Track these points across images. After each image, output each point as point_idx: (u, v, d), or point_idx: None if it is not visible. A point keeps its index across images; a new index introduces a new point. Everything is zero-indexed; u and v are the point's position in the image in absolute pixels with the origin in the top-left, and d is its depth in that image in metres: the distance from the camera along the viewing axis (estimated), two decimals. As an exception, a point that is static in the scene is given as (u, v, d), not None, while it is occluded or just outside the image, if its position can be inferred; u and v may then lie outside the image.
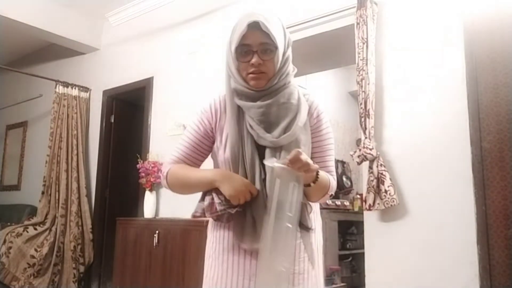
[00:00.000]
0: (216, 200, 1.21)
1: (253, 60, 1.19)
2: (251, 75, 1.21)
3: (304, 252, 1.25)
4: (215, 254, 1.28)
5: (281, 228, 1.08)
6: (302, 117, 1.24)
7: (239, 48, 1.20)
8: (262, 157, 1.21)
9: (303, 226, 1.23)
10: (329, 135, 1.32)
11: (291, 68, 1.29)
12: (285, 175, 1.09)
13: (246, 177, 1.21)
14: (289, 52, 1.27)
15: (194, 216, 1.26)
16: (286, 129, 1.21)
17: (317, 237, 1.31)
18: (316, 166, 1.15)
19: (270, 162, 1.12)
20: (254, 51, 1.19)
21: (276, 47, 1.19)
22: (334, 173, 1.34)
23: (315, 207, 1.34)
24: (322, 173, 1.22)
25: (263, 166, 1.20)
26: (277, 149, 1.21)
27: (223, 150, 1.26)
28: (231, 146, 1.23)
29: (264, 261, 1.12)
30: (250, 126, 1.23)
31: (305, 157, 1.09)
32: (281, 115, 1.22)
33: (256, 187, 1.19)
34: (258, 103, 1.22)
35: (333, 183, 1.30)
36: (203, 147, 1.33)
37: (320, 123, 1.31)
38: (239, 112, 1.26)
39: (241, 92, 1.25)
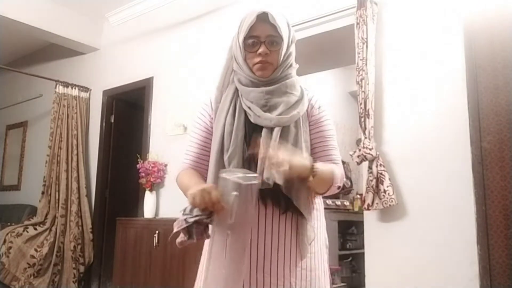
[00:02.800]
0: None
1: (261, 50, 1.24)
2: (258, 65, 1.25)
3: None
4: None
5: (221, 235, 1.10)
6: (303, 107, 1.28)
7: (247, 39, 1.25)
8: (250, 137, 1.23)
9: (300, 214, 1.23)
10: (331, 126, 1.34)
11: (293, 62, 1.34)
12: (227, 186, 1.09)
13: (230, 153, 1.21)
14: (293, 48, 1.32)
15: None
16: (284, 113, 1.24)
17: (319, 236, 1.31)
18: (303, 163, 1.14)
19: (226, 174, 1.10)
20: (262, 42, 1.24)
21: (282, 39, 1.25)
22: (339, 162, 1.32)
23: (319, 205, 1.34)
24: (323, 166, 1.20)
25: (247, 145, 1.22)
26: (273, 130, 1.22)
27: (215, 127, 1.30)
28: (222, 120, 1.27)
29: (206, 265, 1.12)
30: (248, 107, 1.26)
31: (280, 155, 1.09)
32: (282, 101, 1.26)
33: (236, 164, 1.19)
34: (261, 88, 1.26)
35: (338, 174, 1.26)
36: (209, 142, 1.35)
37: (322, 113, 1.33)
38: (235, 94, 1.31)
39: (245, 81, 1.29)
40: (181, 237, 1.14)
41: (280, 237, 1.22)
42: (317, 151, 1.30)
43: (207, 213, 1.09)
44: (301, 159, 1.16)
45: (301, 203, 1.22)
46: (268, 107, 1.25)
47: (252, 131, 1.24)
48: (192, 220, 1.10)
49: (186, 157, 1.37)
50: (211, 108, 1.36)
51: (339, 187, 1.29)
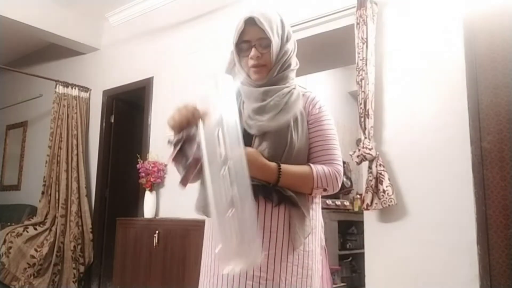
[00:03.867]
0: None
1: (252, 53, 1.26)
2: (252, 69, 1.28)
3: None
4: (207, 237, 1.31)
5: (211, 138, 1.04)
6: (294, 113, 1.28)
7: (240, 44, 1.28)
8: (245, 139, 1.21)
9: (294, 204, 1.23)
10: (332, 126, 1.33)
11: (293, 62, 1.33)
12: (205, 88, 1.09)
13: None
14: (289, 46, 1.31)
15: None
16: (274, 119, 1.24)
17: (314, 236, 1.31)
18: (264, 164, 1.17)
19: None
20: (253, 45, 1.26)
21: (271, 40, 1.25)
22: (339, 162, 1.30)
23: (316, 205, 1.33)
24: (292, 169, 1.21)
25: (244, 143, 1.21)
26: (263, 136, 1.23)
27: None
28: None
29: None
30: (245, 108, 1.28)
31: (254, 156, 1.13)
32: (274, 107, 1.26)
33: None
34: (257, 91, 1.28)
35: (324, 176, 1.25)
36: None
37: (322, 113, 1.32)
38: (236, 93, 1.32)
39: (244, 85, 1.31)
40: (178, 170, 1.15)
41: (272, 232, 1.22)
42: (316, 150, 1.30)
43: (192, 128, 1.08)
44: (262, 160, 1.18)
45: (296, 195, 1.23)
46: (260, 110, 1.26)
47: (244, 133, 1.24)
48: (178, 139, 1.10)
49: None
50: None
51: (325, 190, 1.26)
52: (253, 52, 1.25)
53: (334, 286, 4.29)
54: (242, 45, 1.27)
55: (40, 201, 4.39)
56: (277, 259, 1.21)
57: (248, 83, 1.30)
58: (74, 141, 4.53)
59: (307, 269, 1.26)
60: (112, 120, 4.70)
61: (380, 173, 2.56)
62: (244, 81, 1.31)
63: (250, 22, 1.25)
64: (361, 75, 2.67)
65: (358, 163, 2.66)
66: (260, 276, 1.19)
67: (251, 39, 1.26)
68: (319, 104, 1.33)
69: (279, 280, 1.20)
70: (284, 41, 1.29)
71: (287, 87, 1.30)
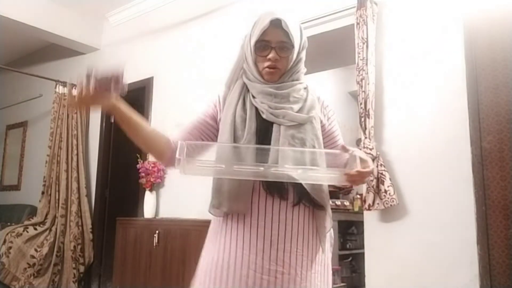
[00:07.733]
0: None
1: (271, 55, 1.25)
2: (266, 69, 1.27)
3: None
4: (216, 233, 1.29)
5: None
6: (317, 108, 1.32)
7: (259, 43, 1.26)
8: (262, 133, 1.24)
9: (318, 204, 1.24)
10: (337, 125, 1.41)
11: (302, 67, 1.36)
12: None
13: (243, 142, 1.22)
14: (303, 54, 1.34)
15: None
16: (300, 111, 1.27)
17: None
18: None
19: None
20: (272, 47, 1.26)
21: (293, 46, 1.26)
22: None
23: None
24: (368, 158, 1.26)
25: (258, 138, 1.23)
26: (290, 127, 1.23)
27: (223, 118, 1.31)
28: (231, 112, 1.27)
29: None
30: (261, 102, 1.27)
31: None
32: (292, 101, 1.28)
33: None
34: (270, 86, 1.28)
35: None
36: (206, 126, 1.35)
37: (330, 112, 1.39)
38: (243, 89, 1.32)
39: (253, 80, 1.31)
40: None
41: (287, 224, 1.22)
42: (329, 142, 1.37)
43: None
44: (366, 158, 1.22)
45: (323, 196, 1.25)
46: (279, 106, 1.26)
47: (261, 126, 1.25)
48: None
49: (177, 132, 1.36)
50: (219, 103, 1.37)
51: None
52: (272, 54, 1.25)
53: (334, 286, 4.29)
54: (261, 44, 1.26)
55: (40, 201, 4.39)
56: (292, 254, 1.21)
57: (258, 81, 1.30)
58: (74, 141, 4.52)
59: (323, 266, 1.28)
60: (112, 120, 4.69)
61: (381, 173, 2.56)
62: (253, 78, 1.31)
63: (275, 24, 1.24)
64: (361, 75, 2.67)
65: (358, 163, 2.66)
66: (276, 270, 1.19)
67: (272, 40, 1.25)
68: (326, 104, 1.39)
69: (295, 274, 1.20)
70: (300, 48, 1.30)
71: (301, 83, 1.33)
